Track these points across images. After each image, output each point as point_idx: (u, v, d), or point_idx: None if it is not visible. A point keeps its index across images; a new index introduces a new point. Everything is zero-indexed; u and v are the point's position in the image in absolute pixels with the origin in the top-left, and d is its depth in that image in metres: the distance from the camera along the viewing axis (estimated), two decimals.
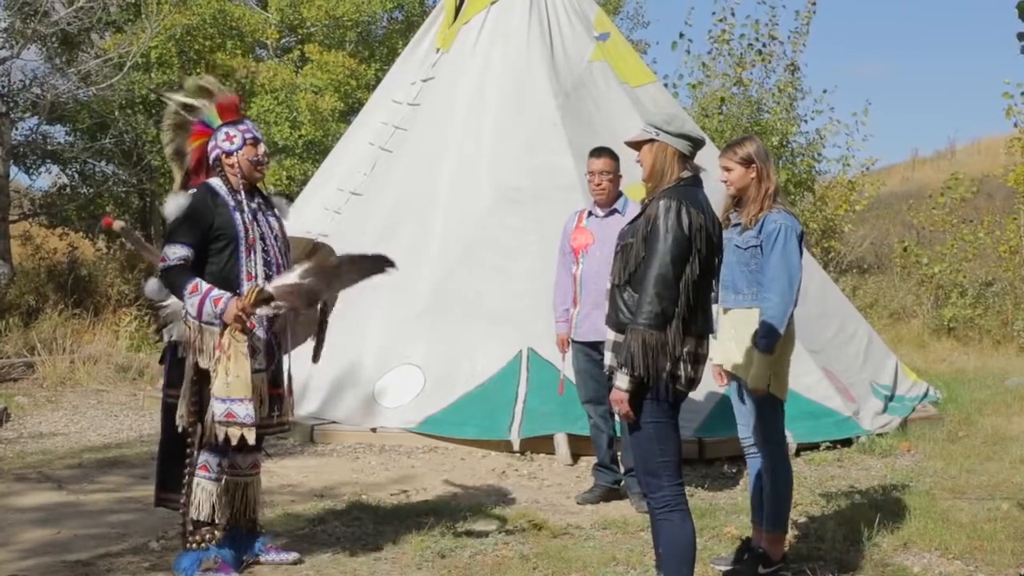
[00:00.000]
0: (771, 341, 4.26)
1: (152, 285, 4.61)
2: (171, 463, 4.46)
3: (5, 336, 11.14)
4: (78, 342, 10.94)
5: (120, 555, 4.65)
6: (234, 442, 4.19)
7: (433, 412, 7.06)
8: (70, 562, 4.55)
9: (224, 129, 4.45)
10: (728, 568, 4.45)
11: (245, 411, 4.15)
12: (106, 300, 13.17)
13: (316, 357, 4.79)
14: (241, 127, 4.47)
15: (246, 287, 4.29)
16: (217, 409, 4.15)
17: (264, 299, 4.21)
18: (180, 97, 4.54)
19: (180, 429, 4.31)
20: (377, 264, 4.53)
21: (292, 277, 4.32)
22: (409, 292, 7.45)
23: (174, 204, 4.33)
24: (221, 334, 4.17)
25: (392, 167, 8.29)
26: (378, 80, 12.30)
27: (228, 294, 4.19)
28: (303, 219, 8.07)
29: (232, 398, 4.14)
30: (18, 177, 15.09)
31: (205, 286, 4.20)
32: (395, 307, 7.40)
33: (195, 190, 4.41)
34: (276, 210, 4.62)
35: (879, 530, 4.89)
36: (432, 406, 7.09)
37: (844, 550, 4.71)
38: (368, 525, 5.15)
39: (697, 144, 3.86)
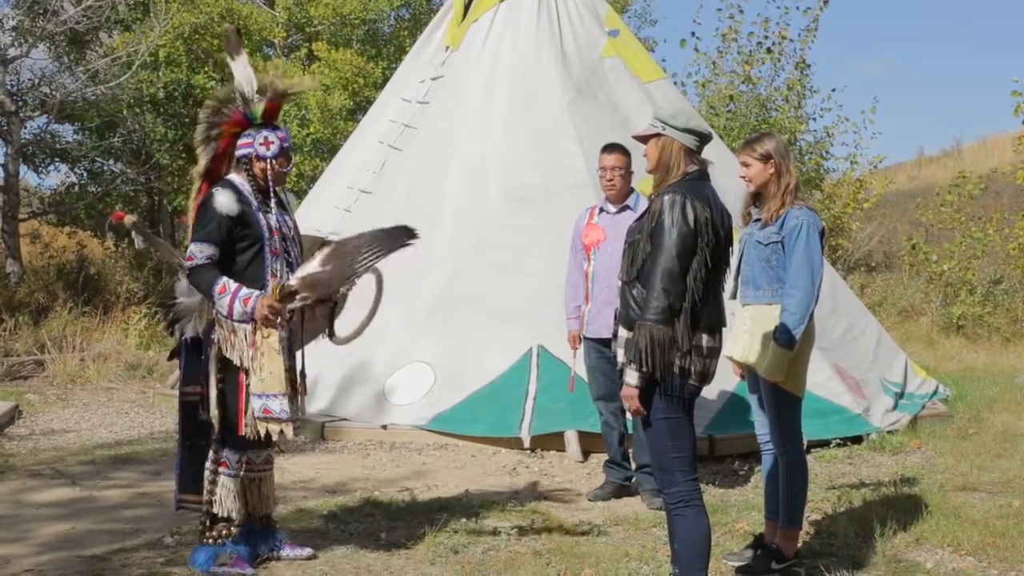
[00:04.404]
0: (792, 337, 4.25)
1: (184, 285, 4.54)
2: (191, 465, 4.47)
3: (15, 334, 11.17)
4: (88, 340, 10.97)
5: (135, 550, 4.68)
6: (275, 437, 4.25)
7: (443, 409, 7.08)
8: (86, 557, 4.58)
9: (265, 133, 4.39)
10: (741, 564, 4.46)
11: (280, 406, 4.20)
12: (115, 298, 13.19)
13: (362, 330, 4.64)
14: (280, 134, 4.42)
15: (271, 286, 4.29)
16: (255, 405, 4.19)
17: (289, 293, 4.20)
18: (242, 74, 4.38)
19: (213, 423, 4.30)
20: (397, 237, 4.34)
21: (313, 266, 4.27)
22: (419, 290, 7.46)
23: (219, 198, 4.22)
24: (253, 332, 4.19)
25: (401, 165, 8.30)
26: (385, 78, 12.32)
27: (256, 292, 4.20)
28: (313, 217, 8.11)
29: (267, 394, 4.19)
30: (27, 176, 15.15)
31: (233, 286, 4.19)
32: (405, 304, 7.39)
33: (219, 188, 4.33)
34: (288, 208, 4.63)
35: (891, 526, 4.89)
36: (442, 403, 7.10)
37: (856, 546, 4.72)
38: (380, 521, 5.17)
39: (704, 139, 3.85)
